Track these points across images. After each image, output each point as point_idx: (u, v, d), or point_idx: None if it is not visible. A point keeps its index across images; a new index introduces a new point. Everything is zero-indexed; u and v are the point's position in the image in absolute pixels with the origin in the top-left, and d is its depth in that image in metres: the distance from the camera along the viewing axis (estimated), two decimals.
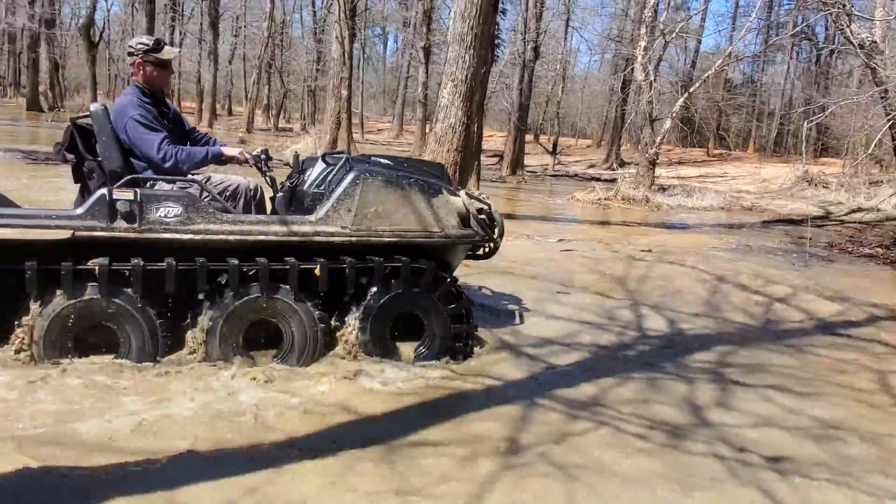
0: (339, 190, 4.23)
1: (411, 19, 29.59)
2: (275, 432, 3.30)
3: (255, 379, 3.87)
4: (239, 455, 3.06)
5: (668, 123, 19.33)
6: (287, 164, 5.20)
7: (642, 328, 5.65)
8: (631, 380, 4.39)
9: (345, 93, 21.20)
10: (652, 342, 5.30)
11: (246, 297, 4.09)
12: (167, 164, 4.29)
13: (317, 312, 4.22)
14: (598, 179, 22.44)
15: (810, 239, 10.90)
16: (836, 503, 3.05)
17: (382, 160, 4.83)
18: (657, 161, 20.07)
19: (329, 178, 4.40)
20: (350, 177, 4.26)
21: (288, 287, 4.14)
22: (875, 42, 10.53)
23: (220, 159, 4.56)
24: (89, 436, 3.13)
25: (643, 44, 19.99)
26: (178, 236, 3.99)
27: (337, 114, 21.31)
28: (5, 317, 3.98)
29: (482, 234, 4.61)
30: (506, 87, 23.82)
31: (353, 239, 4.24)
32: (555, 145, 29.08)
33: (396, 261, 4.33)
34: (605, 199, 16.87)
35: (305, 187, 4.49)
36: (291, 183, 4.67)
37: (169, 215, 3.99)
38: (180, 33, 47.04)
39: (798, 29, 26.92)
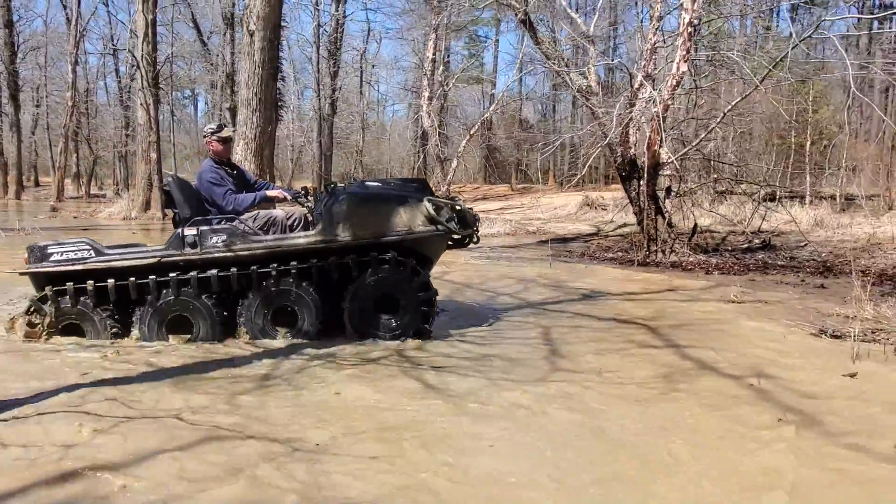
0: (330, 209, 6.07)
1: (217, 81, 30.72)
2: None
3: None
4: None
5: (454, 163, 21.75)
6: (298, 198, 6.85)
7: None
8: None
9: (154, 156, 22.19)
10: None
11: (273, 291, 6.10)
12: (229, 209, 6.34)
13: (319, 301, 6.13)
14: None
15: (550, 244, 13.22)
16: (466, 384, 4.91)
17: (371, 183, 6.75)
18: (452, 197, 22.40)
19: (327, 202, 6.17)
20: (336, 199, 6.09)
21: (300, 282, 6.10)
22: (590, 86, 13.14)
23: (267, 199, 6.55)
24: None
25: (426, 94, 22.44)
26: (222, 254, 6.02)
27: (148, 176, 22.24)
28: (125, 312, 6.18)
29: (449, 228, 6.19)
30: (307, 140, 25.54)
31: (342, 242, 6.06)
32: None
33: (373, 255, 6.13)
34: None
35: (316, 212, 6.32)
36: (315, 209, 6.45)
37: (217, 242, 6.01)
38: None
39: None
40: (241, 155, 11.59)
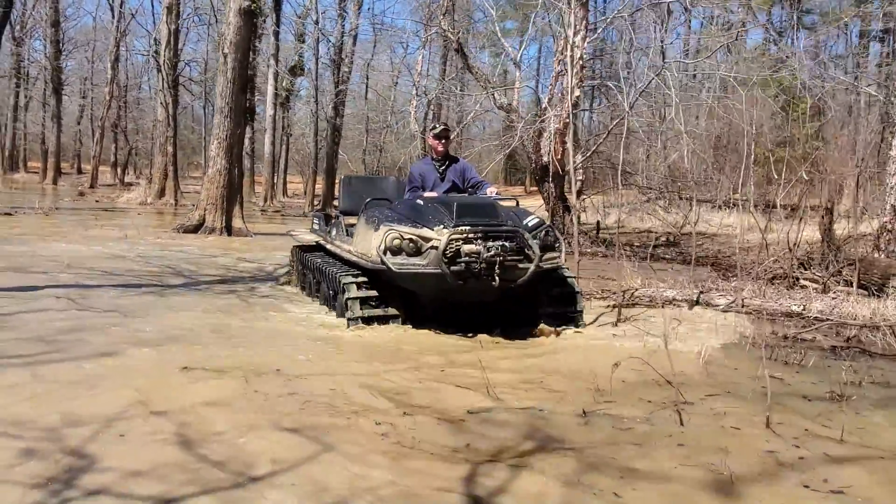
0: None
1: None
2: None
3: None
4: None
5: None
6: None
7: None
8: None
9: (170, 149, 25.18)
10: None
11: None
12: None
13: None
14: None
15: None
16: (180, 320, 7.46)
17: (396, 206, 6.30)
18: None
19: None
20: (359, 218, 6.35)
21: None
22: (511, 104, 15.69)
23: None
24: None
25: (415, 102, 25.16)
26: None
27: (164, 167, 25.27)
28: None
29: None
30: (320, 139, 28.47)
31: (355, 258, 6.15)
32: None
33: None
34: None
35: None
36: None
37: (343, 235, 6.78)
38: (25, 97, 49.38)
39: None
40: (215, 152, 14.35)
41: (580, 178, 15.42)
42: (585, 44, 13.80)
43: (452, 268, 5.45)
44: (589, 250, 14.63)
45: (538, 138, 15.07)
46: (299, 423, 3.49)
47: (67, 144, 54.17)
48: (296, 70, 30.51)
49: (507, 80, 17.70)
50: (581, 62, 13.80)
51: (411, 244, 5.58)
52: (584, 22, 14.27)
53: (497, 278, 5.45)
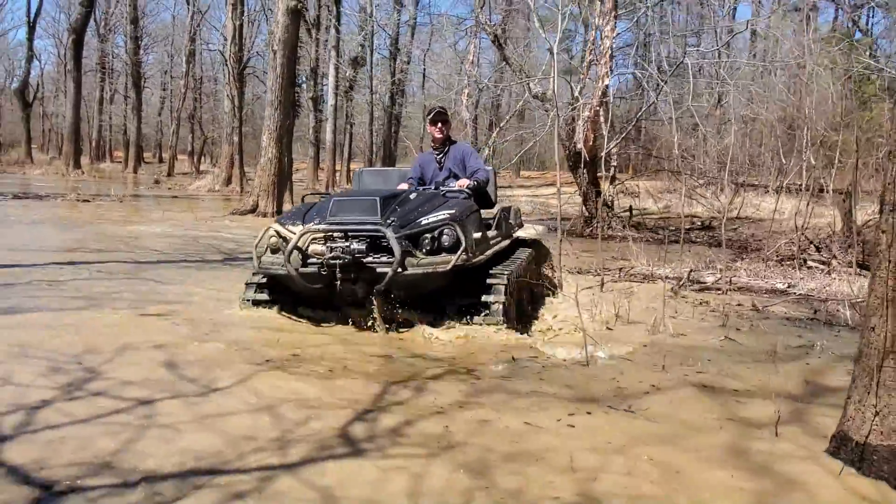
0: None
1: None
2: None
3: None
4: None
5: (485, 151, 25.21)
6: None
7: None
8: None
9: (236, 139, 26.66)
10: None
11: None
12: None
13: None
14: None
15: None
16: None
17: (318, 202, 5.94)
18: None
19: None
20: None
21: None
22: (545, 93, 16.36)
23: None
24: None
25: (466, 90, 25.97)
26: None
27: (230, 156, 26.79)
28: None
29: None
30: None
31: None
32: None
33: None
34: None
35: None
36: None
37: None
38: (109, 90, 52.20)
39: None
40: (266, 143, 15.52)
41: (614, 163, 16.00)
42: (614, 33, 14.37)
43: (303, 269, 5.06)
44: (619, 234, 15.22)
45: (571, 126, 15.72)
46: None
47: (149, 134, 56.92)
48: (358, 61, 31.66)
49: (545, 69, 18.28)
50: (610, 51, 14.38)
51: (283, 242, 5.26)
52: (613, 12, 14.83)
53: (353, 282, 5.01)
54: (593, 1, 15.02)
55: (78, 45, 33.48)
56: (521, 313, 6.11)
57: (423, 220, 5.25)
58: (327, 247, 4.97)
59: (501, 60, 17.11)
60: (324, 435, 3.32)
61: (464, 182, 6.21)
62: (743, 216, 17.75)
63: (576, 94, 15.50)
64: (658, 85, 14.05)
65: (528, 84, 16.27)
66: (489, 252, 5.77)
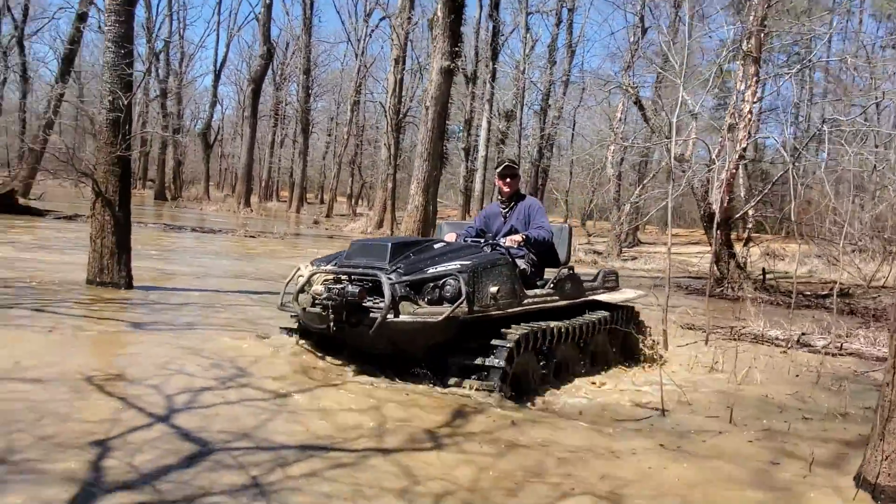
0: None
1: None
2: None
3: None
4: None
5: (627, 207, 25.57)
6: None
7: None
8: None
9: (390, 185, 28.39)
10: None
11: None
12: None
13: None
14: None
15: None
16: None
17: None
18: (623, 236, 26.32)
19: None
20: None
21: None
22: (683, 155, 16.75)
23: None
24: None
25: (612, 147, 26.48)
26: None
27: (384, 201, 28.53)
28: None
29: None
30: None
31: None
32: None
33: None
34: None
35: None
36: None
37: None
38: (280, 135, 56.35)
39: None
40: (414, 191, 16.78)
41: (749, 225, 16.10)
42: (755, 98, 14.65)
43: (310, 309, 5.11)
44: (750, 295, 15.25)
45: (705, 186, 16.00)
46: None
47: (313, 177, 60.74)
48: (511, 115, 32.92)
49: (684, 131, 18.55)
50: (751, 115, 14.66)
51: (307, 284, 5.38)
52: (755, 78, 15.13)
53: (353, 325, 5.02)
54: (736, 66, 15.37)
55: (256, 93, 36.79)
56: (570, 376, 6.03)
57: (431, 269, 5.18)
58: (326, 288, 5.02)
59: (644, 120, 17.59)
60: (414, 430, 4.15)
61: (516, 238, 6.08)
62: (889, 285, 17.17)
63: (713, 156, 15.79)
64: (795, 150, 14.14)
65: (666, 147, 16.70)
66: (517, 309, 5.52)
